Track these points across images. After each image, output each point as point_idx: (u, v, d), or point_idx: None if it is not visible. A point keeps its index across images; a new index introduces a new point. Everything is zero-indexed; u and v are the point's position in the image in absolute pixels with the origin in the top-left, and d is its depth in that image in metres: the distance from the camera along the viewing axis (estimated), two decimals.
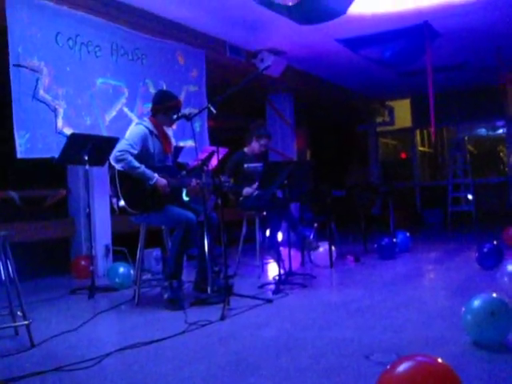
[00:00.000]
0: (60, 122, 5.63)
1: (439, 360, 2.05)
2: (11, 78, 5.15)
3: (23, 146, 5.24)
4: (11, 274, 3.55)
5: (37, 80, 5.41)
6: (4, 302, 3.65)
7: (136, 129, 4.78)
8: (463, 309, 3.24)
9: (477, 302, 3.19)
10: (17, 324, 3.70)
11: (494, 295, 3.23)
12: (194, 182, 4.63)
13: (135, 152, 4.56)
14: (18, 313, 3.64)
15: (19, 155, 5.20)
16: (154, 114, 4.88)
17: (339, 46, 8.18)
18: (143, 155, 4.63)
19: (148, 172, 4.55)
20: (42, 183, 6.74)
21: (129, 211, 4.57)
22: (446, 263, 6.61)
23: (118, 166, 4.53)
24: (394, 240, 7.12)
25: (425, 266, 6.65)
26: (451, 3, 6.75)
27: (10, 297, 3.60)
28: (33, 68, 5.37)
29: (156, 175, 4.56)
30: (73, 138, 5.17)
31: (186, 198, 4.77)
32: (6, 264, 3.53)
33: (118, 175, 4.53)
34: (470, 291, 3.38)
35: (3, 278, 3.57)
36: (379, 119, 13.82)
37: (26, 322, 3.54)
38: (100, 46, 6.09)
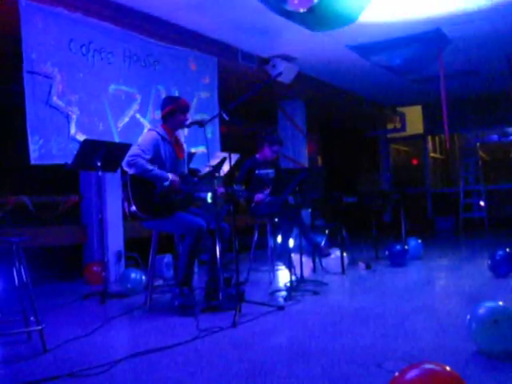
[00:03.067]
0: (73, 128, 5.66)
1: (447, 368, 2.04)
2: (25, 84, 5.18)
3: (37, 152, 5.27)
4: (24, 279, 3.56)
5: (50, 86, 5.44)
6: (17, 306, 3.67)
7: (148, 135, 4.81)
8: (468, 317, 3.22)
9: (481, 310, 3.17)
10: (30, 329, 3.72)
11: (500, 303, 3.21)
12: (221, 189, 4.64)
13: (147, 157, 4.58)
14: (31, 318, 3.66)
15: (33, 161, 5.23)
16: (164, 120, 4.91)
17: (351, 53, 8.18)
18: (155, 161, 4.65)
19: (161, 173, 4.58)
20: (55, 189, 6.77)
21: (140, 217, 4.59)
22: (458, 271, 6.57)
23: (130, 171, 4.56)
24: (406, 247, 7.09)
25: (436, 273, 6.61)
26: (463, 10, 6.74)
27: (23, 302, 3.61)
28: (46, 74, 5.41)
29: (170, 174, 4.59)
30: (86, 144, 5.20)
31: (209, 200, 4.76)
32: (20, 269, 3.55)
33: (130, 180, 4.56)
34: (482, 299, 3.35)
35: (16, 283, 3.59)
36: (391, 126, 13.80)
37: (39, 327, 3.55)
38: (113, 52, 6.13)
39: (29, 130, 5.20)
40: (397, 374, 2.07)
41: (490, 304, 3.21)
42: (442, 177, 14.51)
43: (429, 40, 7.65)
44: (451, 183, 13.87)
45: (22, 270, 3.55)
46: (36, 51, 5.32)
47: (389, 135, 14.03)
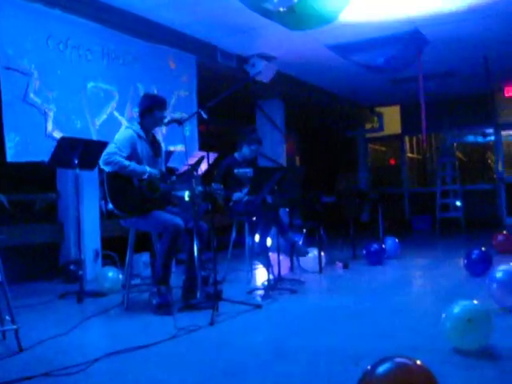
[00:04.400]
0: (50, 126, 5.62)
1: (417, 362, 2.09)
2: (1, 80, 5.13)
3: (13, 150, 5.22)
4: (0, 278, 3.53)
5: (27, 83, 5.40)
6: None
7: (124, 132, 4.79)
8: (443, 315, 3.26)
9: (455, 309, 3.21)
10: (5, 328, 3.68)
11: (474, 302, 3.25)
12: (199, 188, 4.63)
13: (123, 155, 4.57)
14: (6, 317, 3.62)
15: (9, 159, 5.18)
16: (141, 118, 4.88)
17: (330, 52, 8.21)
18: (132, 159, 4.63)
19: (139, 167, 4.58)
20: (32, 187, 6.70)
21: (116, 215, 4.57)
22: (435, 270, 6.63)
23: (106, 169, 4.54)
24: (383, 246, 7.14)
25: (413, 272, 6.67)
26: (441, 12, 6.81)
27: None
28: (23, 71, 5.36)
29: (147, 168, 4.58)
30: (63, 141, 5.15)
31: (186, 199, 4.75)
32: None
33: (107, 178, 4.54)
34: (458, 298, 3.39)
35: None
36: (368, 125, 13.88)
37: (14, 327, 3.52)
38: (91, 49, 6.09)
39: (5, 127, 5.16)
40: (369, 367, 2.11)
41: (463, 303, 3.25)
42: (419, 177, 14.63)
43: (407, 41, 7.71)
44: (428, 183, 14.00)
45: None
46: (13, 47, 5.27)
47: (367, 135, 14.11)
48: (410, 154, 14.26)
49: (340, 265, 6.82)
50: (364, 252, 7.03)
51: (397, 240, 7.61)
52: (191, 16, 6.64)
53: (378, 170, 14.54)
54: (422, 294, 5.39)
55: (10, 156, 5.20)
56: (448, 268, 6.66)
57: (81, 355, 3.37)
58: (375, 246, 6.99)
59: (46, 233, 6.70)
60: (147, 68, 6.79)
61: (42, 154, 5.42)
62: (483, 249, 5.84)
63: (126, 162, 4.53)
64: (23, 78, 5.36)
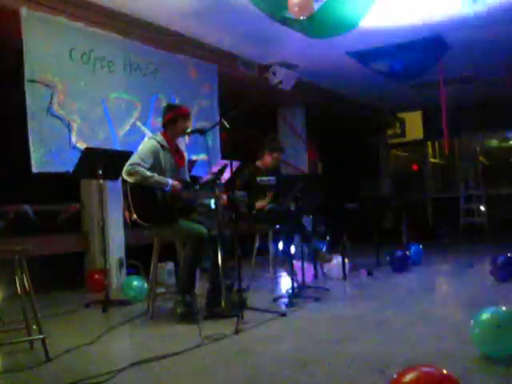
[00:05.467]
0: (74, 137, 5.68)
1: (444, 371, 2.06)
2: (26, 93, 5.20)
3: (38, 161, 5.29)
4: (27, 288, 3.56)
5: (51, 95, 5.46)
6: (19, 315, 3.66)
7: (147, 143, 4.83)
8: (472, 322, 3.21)
9: (484, 315, 3.16)
10: (32, 338, 3.71)
11: (503, 308, 3.20)
12: (224, 197, 4.64)
13: (146, 166, 4.59)
14: (34, 326, 3.65)
15: (34, 170, 5.24)
16: (165, 128, 4.92)
17: (350, 59, 8.19)
18: (155, 169, 4.66)
19: (161, 179, 4.59)
20: (56, 197, 6.76)
21: (141, 225, 4.59)
22: (460, 276, 6.56)
23: (130, 180, 4.56)
24: (407, 253, 7.08)
25: (438, 278, 6.61)
26: (461, 16, 6.76)
27: (25, 311, 3.61)
28: (47, 83, 5.43)
29: (170, 180, 4.59)
30: (87, 152, 5.20)
31: (212, 206, 4.75)
32: (22, 278, 3.54)
33: (130, 189, 4.56)
34: (483, 304, 3.34)
35: (19, 292, 3.58)
36: (390, 132, 13.80)
37: (41, 336, 3.55)
38: (113, 61, 6.15)
39: (30, 139, 5.22)
40: (395, 376, 2.09)
41: (492, 308, 3.20)
42: (442, 182, 14.50)
43: (428, 46, 7.66)
44: (451, 188, 13.87)
45: (25, 279, 3.54)
46: (37, 60, 5.34)
47: (389, 141, 14.03)
48: (432, 159, 14.15)
49: (364, 272, 6.78)
50: (388, 259, 6.98)
51: (421, 246, 7.54)
52: (211, 25, 6.67)
53: (401, 176, 14.44)
54: (448, 300, 5.33)
55: (36, 167, 5.26)
56: (473, 274, 6.59)
57: (107, 364, 3.38)
58: (399, 253, 6.94)
59: (71, 242, 6.74)
60: (169, 78, 6.83)
61: (66, 164, 5.49)
62: (509, 254, 5.77)
63: (149, 173, 4.55)
64: (47, 91, 5.43)
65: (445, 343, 3.55)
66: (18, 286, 3.57)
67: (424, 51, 7.85)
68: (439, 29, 7.15)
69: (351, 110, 11.58)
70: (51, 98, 5.46)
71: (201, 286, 5.37)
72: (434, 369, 2.07)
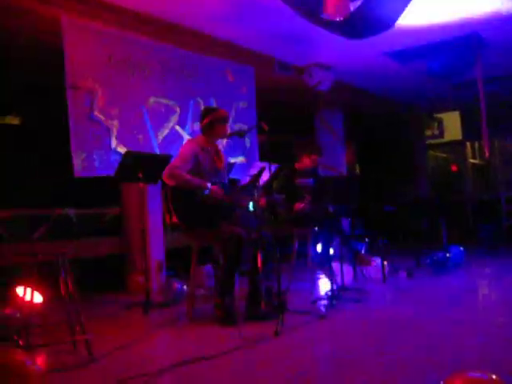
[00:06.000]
0: (114, 141, 5.76)
1: (493, 376, 2.00)
2: (67, 99, 5.30)
3: (80, 165, 5.38)
4: (70, 290, 3.62)
5: (91, 101, 5.55)
6: (63, 317, 3.72)
7: (188, 145, 4.86)
8: None
9: None
10: (76, 339, 3.77)
11: None
12: (263, 200, 4.65)
13: (186, 168, 4.62)
14: (77, 328, 3.71)
15: (76, 174, 5.34)
16: (203, 130, 4.94)
17: (388, 59, 8.13)
18: (195, 172, 4.68)
19: (201, 182, 4.62)
20: (98, 201, 6.86)
21: (181, 227, 4.62)
22: (502, 279, 6.44)
23: (169, 183, 4.60)
24: (448, 255, 6.98)
25: (479, 281, 6.50)
26: (499, 13, 6.64)
27: (69, 312, 3.67)
28: (88, 89, 5.52)
29: (209, 184, 4.61)
30: (127, 156, 5.26)
31: (251, 209, 4.77)
32: (66, 280, 3.61)
33: (171, 192, 4.60)
34: None
35: (63, 293, 3.64)
36: (428, 132, 13.62)
37: (85, 337, 3.60)
38: (151, 65, 6.21)
39: (72, 144, 5.32)
40: (442, 383, 2.05)
41: None
42: (482, 183, 14.25)
43: (466, 44, 7.55)
44: (492, 189, 13.62)
45: (68, 281, 3.61)
46: (77, 67, 5.44)
47: (427, 142, 13.85)
48: (472, 160, 13.92)
49: (404, 274, 6.71)
50: (428, 261, 6.90)
51: (461, 248, 7.43)
52: (247, 27, 6.68)
53: (439, 177, 14.24)
54: (490, 303, 5.24)
55: (78, 171, 5.35)
56: None
57: (149, 365, 3.42)
58: (439, 255, 6.85)
59: (112, 245, 6.83)
60: (206, 82, 6.87)
61: (107, 168, 5.57)
62: None
63: (188, 177, 4.58)
64: (88, 96, 5.52)
65: (489, 348, 3.49)
66: (61, 287, 3.63)
67: (462, 49, 7.74)
68: (477, 26, 7.03)
69: (388, 111, 11.47)
70: (91, 104, 5.55)
71: (240, 289, 5.38)
72: (484, 374, 2.01)
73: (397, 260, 7.44)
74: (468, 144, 13.65)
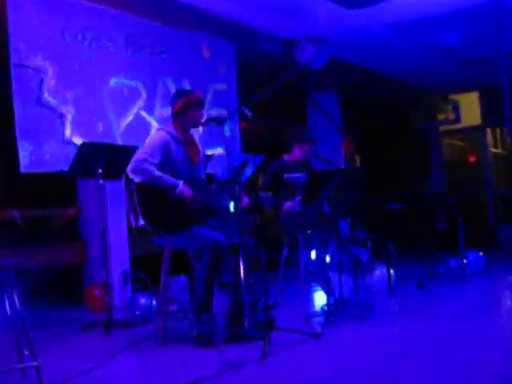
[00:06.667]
0: (68, 130, 5.74)
1: None
2: (12, 80, 5.26)
3: (27, 159, 5.36)
4: (17, 307, 3.60)
5: (41, 81, 5.52)
6: (10, 339, 3.71)
7: (156, 135, 4.86)
8: None
9: None
10: (24, 365, 3.76)
11: None
12: (245, 200, 4.65)
13: (155, 162, 4.61)
14: (26, 352, 3.69)
15: (23, 169, 5.31)
16: (175, 117, 4.94)
17: (392, 32, 8.16)
18: (166, 166, 4.67)
19: (172, 180, 4.61)
20: (49, 201, 6.82)
21: (149, 231, 4.62)
22: None
23: (136, 179, 4.59)
24: (465, 261, 7.04)
25: (502, 291, 6.56)
26: None
27: (16, 333, 3.65)
28: (36, 68, 5.49)
29: (181, 183, 4.61)
30: (84, 147, 5.24)
31: (232, 209, 4.77)
32: (12, 296, 3.59)
33: (137, 189, 4.59)
34: None
35: (8, 311, 3.63)
36: (442, 116, 13.70)
37: (34, 363, 3.59)
38: (113, 40, 6.20)
39: (18, 134, 5.29)
40: None
41: None
42: (505, 176, 14.35)
43: (486, 13, 7.59)
44: None
45: (15, 297, 3.59)
46: (25, 42, 5.41)
47: (440, 128, 13.92)
48: (493, 149, 14.01)
49: (413, 284, 6.75)
50: (442, 268, 6.95)
51: (481, 253, 7.48)
52: None
53: (456, 169, 14.31)
54: None
55: (24, 166, 5.33)
56: None
57: None
58: (455, 261, 6.90)
59: (67, 253, 6.79)
60: (178, 59, 6.87)
61: (60, 162, 5.55)
62: None
63: (158, 173, 4.57)
64: (37, 76, 5.50)
65: (510, 367, 3.52)
66: (7, 304, 3.62)
67: (481, 19, 7.79)
68: None
69: (394, 93, 11.52)
70: (41, 85, 5.52)
71: (220, 304, 5.39)
72: None
73: (405, 268, 7.48)
74: (488, 130, 13.73)
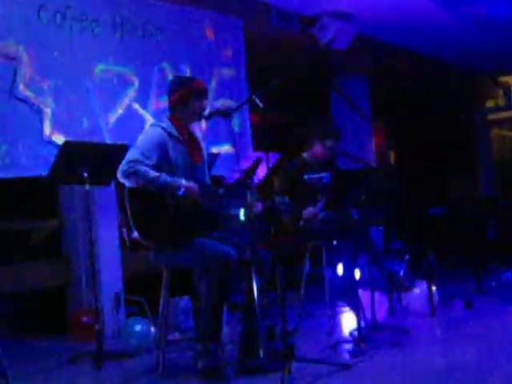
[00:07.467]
0: (47, 127, 5.74)
1: None
2: None
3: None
4: None
5: (14, 71, 5.53)
6: None
7: (150, 132, 4.87)
8: None
9: None
10: None
11: None
12: (259, 206, 4.65)
13: (150, 163, 4.61)
14: None
15: None
16: (172, 109, 4.95)
17: (431, 4, 8.15)
18: (162, 168, 4.68)
19: (172, 180, 4.61)
20: (27, 211, 6.86)
21: (144, 246, 4.63)
22: None
23: (128, 184, 4.60)
24: None
25: None
26: None
27: None
28: (9, 55, 5.50)
29: (183, 181, 4.62)
30: (66, 147, 5.24)
31: (242, 218, 4.77)
32: None
33: (129, 196, 4.60)
34: None
35: None
36: (491, 103, 13.66)
37: None
38: (98, 20, 6.20)
39: None
40: None
41: None
42: None
43: None
44: None
45: None
46: None
47: (489, 117, 13.88)
48: None
49: (460, 303, 6.74)
50: (494, 284, 6.93)
51: None
52: None
53: (508, 166, 14.26)
54: None
55: None
56: None
57: None
58: (508, 275, 6.88)
59: (48, 273, 6.80)
60: (176, 41, 6.86)
61: (38, 165, 5.55)
62: None
63: (154, 174, 4.58)
64: (9, 66, 5.50)
65: None
66: None
67: None
68: None
69: (435, 76, 11.49)
70: (15, 75, 5.54)
71: (230, 330, 5.40)
72: None
73: (450, 284, 7.46)
74: None
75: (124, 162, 4.67)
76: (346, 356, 5.00)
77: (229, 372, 4.52)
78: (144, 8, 6.58)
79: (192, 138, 5.00)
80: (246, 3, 7.57)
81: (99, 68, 6.20)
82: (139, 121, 6.38)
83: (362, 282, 6.24)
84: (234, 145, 5.09)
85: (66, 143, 5.32)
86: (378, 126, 11.36)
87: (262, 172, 5.14)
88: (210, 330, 4.63)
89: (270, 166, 4.69)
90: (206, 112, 4.95)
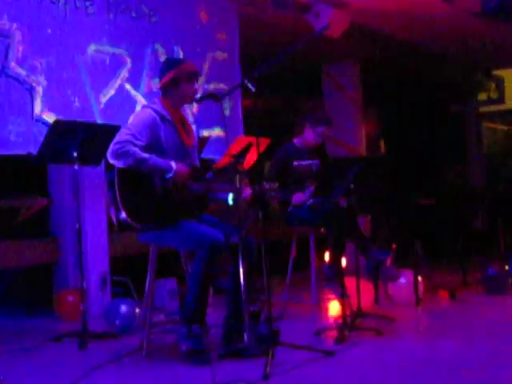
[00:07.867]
0: (38, 105, 5.73)
1: None
2: None
3: None
4: None
5: (7, 48, 5.51)
6: None
7: (141, 114, 4.87)
8: None
9: None
10: None
11: None
12: (248, 190, 4.65)
13: (140, 145, 4.61)
14: None
15: None
16: (164, 91, 4.94)
17: None
18: (152, 151, 4.68)
19: (162, 162, 4.62)
20: (15, 189, 6.84)
21: (132, 226, 4.62)
22: None
23: (118, 164, 4.60)
24: (506, 267, 7.04)
25: None
26: None
27: None
28: (1, 33, 5.48)
29: (173, 163, 4.62)
30: (57, 126, 5.23)
31: (230, 202, 4.77)
32: None
33: (118, 177, 4.59)
34: None
35: None
36: (483, 95, 13.67)
37: None
38: None
39: None
40: None
41: None
42: None
43: None
44: None
45: None
46: None
47: (481, 109, 13.89)
48: None
49: (445, 294, 6.76)
50: (480, 276, 6.95)
51: None
52: None
53: (498, 159, 14.29)
54: None
55: None
56: None
57: None
58: (495, 268, 6.90)
59: (35, 252, 6.79)
60: (169, 23, 6.84)
61: (27, 144, 5.54)
62: None
63: (145, 155, 4.58)
64: (1, 43, 5.48)
65: None
66: None
67: None
68: None
69: (426, 66, 11.48)
70: (7, 52, 5.52)
71: (215, 313, 5.41)
72: None
73: (436, 275, 7.49)
74: None
75: (114, 142, 4.66)
76: (330, 343, 5.00)
77: (212, 355, 4.52)
78: None
79: (183, 120, 5.00)
80: None
81: (92, 48, 6.18)
82: (131, 102, 6.36)
83: (349, 270, 6.26)
84: (225, 129, 5.08)
85: (57, 122, 5.31)
86: (369, 114, 11.34)
87: (251, 157, 5.13)
88: (196, 312, 4.63)
89: (261, 151, 4.68)
90: (198, 95, 4.94)
